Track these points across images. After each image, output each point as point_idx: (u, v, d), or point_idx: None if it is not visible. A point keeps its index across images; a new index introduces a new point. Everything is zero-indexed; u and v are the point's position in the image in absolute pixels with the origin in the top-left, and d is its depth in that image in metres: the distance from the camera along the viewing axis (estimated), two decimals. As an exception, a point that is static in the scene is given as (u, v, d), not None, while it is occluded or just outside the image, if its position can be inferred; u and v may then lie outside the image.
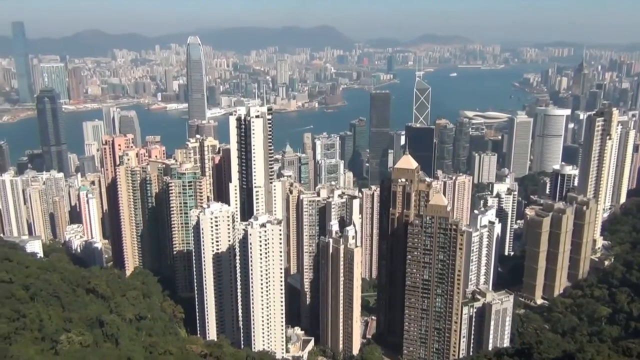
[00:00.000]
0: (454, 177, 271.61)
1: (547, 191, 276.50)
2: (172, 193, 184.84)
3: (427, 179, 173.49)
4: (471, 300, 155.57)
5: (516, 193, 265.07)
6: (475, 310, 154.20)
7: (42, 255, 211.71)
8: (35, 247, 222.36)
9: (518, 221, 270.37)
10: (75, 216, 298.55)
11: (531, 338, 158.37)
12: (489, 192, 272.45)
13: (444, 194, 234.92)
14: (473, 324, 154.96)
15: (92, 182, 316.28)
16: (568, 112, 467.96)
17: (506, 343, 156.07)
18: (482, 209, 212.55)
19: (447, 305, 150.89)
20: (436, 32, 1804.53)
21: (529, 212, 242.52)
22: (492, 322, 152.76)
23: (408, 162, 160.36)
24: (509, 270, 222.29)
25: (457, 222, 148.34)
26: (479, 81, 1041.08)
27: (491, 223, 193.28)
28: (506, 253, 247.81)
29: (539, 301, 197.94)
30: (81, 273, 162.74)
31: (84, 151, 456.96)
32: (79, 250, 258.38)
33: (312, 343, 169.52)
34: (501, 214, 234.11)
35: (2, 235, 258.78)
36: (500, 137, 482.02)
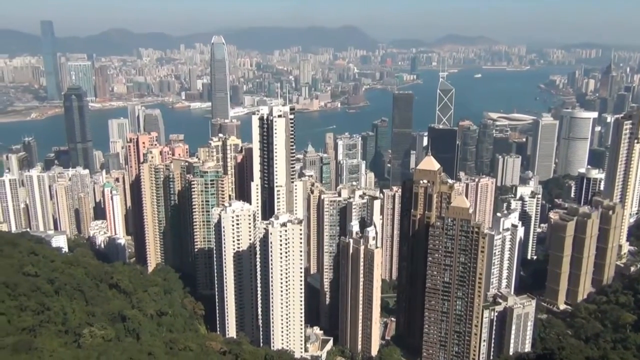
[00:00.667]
0: (476, 179, 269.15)
1: (572, 195, 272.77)
2: (194, 191, 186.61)
3: (450, 181, 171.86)
4: (492, 304, 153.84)
5: (540, 196, 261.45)
6: (496, 314, 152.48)
7: (67, 250, 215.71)
8: (60, 241, 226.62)
9: (542, 225, 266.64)
10: (100, 212, 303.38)
11: (553, 344, 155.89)
12: (512, 195, 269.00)
13: (467, 196, 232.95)
14: (494, 327, 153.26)
15: (117, 179, 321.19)
16: (595, 114, 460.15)
17: (527, 348, 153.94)
18: (505, 212, 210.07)
19: (468, 308, 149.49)
20: (460, 32, 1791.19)
21: (553, 215, 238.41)
22: (514, 327, 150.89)
23: (430, 163, 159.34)
24: (531, 274, 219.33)
25: (479, 225, 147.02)
26: (503, 82, 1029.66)
27: (514, 226, 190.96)
28: (529, 257, 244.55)
29: (562, 306, 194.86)
30: (104, 268, 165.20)
31: (109, 148, 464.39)
32: (102, 245, 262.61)
33: (330, 343, 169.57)
34: (524, 218, 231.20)
35: (28, 229, 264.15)
36: (524, 140, 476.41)
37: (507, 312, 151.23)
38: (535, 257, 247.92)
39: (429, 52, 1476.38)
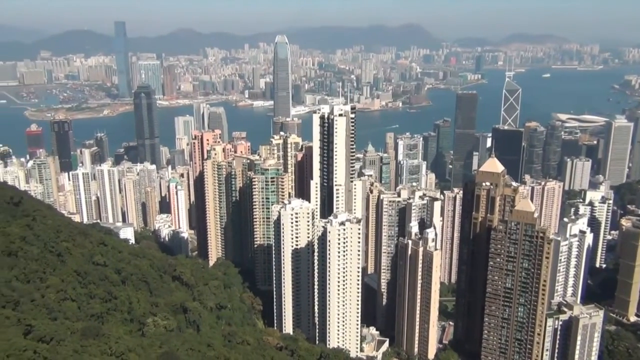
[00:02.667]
0: (542, 183, 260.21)
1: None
2: (255, 188, 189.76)
3: (514, 184, 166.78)
4: (557, 313, 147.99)
5: (611, 202, 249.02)
6: (560, 323, 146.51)
7: (133, 242, 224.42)
8: (127, 233, 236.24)
9: (612, 232, 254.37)
10: (165, 206, 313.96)
11: (622, 357, 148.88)
12: (581, 200, 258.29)
13: (532, 200, 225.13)
14: (558, 337, 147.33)
15: (182, 175, 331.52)
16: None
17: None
18: (573, 217, 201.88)
19: (530, 315, 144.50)
20: (529, 30, 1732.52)
21: (625, 222, 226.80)
22: (579, 337, 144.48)
23: (494, 165, 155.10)
24: (599, 283, 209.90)
25: (545, 230, 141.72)
26: (574, 83, 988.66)
27: (582, 232, 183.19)
28: (597, 265, 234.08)
29: (633, 318, 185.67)
30: (168, 260, 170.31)
31: (175, 145, 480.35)
32: (167, 238, 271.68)
33: (386, 344, 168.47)
34: (593, 224, 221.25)
35: (99, 221, 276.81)
36: (595, 142, 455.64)
37: (573, 321, 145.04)
38: (604, 266, 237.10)
39: (495, 51, 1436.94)
